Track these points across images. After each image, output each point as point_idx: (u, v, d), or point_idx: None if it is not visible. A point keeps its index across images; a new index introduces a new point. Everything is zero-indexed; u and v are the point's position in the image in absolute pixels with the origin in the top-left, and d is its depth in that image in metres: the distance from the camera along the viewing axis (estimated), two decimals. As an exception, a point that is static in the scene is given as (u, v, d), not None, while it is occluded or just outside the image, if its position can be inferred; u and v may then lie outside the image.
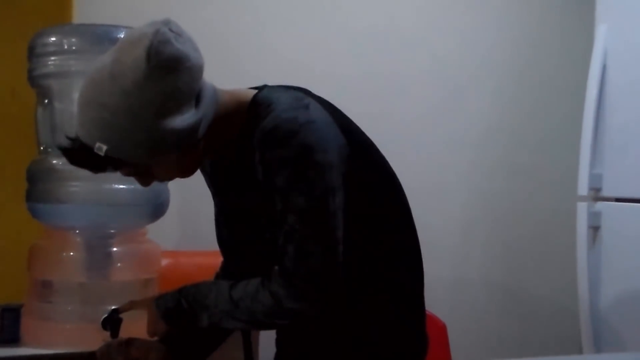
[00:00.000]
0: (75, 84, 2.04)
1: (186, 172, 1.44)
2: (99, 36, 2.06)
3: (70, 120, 2.03)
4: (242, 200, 1.51)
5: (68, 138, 1.36)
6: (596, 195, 2.64)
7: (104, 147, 1.29)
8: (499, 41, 3.17)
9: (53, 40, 2.06)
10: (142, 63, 1.26)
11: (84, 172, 2.02)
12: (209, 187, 1.65)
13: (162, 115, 1.28)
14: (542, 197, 3.19)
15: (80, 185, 2.02)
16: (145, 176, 1.41)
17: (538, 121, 3.20)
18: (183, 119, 1.30)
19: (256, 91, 1.46)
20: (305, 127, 1.36)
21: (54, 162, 2.04)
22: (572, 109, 2.91)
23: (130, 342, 1.57)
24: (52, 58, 2.05)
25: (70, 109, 2.03)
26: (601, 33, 2.66)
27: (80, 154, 1.34)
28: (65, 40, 2.05)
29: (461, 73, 3.11)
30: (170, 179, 1.46)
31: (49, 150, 2.08)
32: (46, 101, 2.09)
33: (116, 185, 2.03)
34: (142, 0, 2.72)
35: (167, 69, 1.28)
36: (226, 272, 1.69)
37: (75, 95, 2.01)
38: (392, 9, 3.02)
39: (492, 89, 3.16)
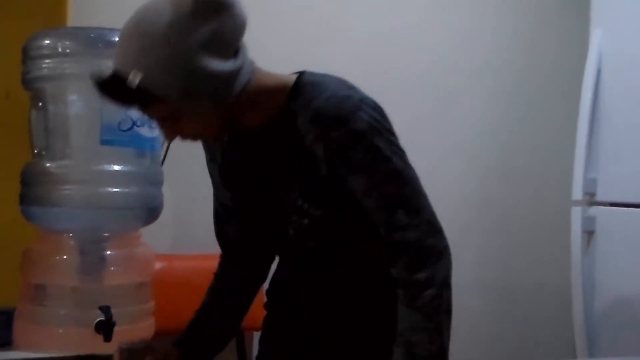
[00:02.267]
0: (69, 86, 2.04)
1: (211, 133, 1.42)
2: (94, 39, 2.06)
3: (64, 123, 2.03)
4: (267, 188, 1.49)
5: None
6: (591, 199, 2.64)
7: (139, 76, 1.27)
8: (494, 45, 3.17)
9: (47, 43, 2.06)
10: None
11: (78, 175, 2.03)
12: (214, 178, 1.62)
13: (201, 53, 1.28)
14: (536, 202, 3.19)
15: (74, 188, 2.01)
16: (171, 124, 1.37)
17: (533, 125, 3.20)
18: (221, 65, 1.30)
19: (296, 74, 1.46)
20: (364, 102, 1.40)
21: (48, 165, 2.03)
22: (567, 114, 2.91)
23: (148, 347, 1.54)
24: (47, 61, 2.05)
25: (65, 112, 2.03)
26: (596, 37, 2.66)
27: (112, 84, 1.32)
28: (59, 43, 2.04)
29: (455, 77, 3.11)
30: (194, 136, 1.42)
31: (43, 153, 2.08)
32: (40, 104, 2.08)
33: (110, 189, 2.02)
34: (137, 3, 2.72)
35: (213, 9, 1.29)
36: (226, 269, 1.67)
37: (70, 98, 2.03)
38: (386, 12, 3.02)
39: (487, 93, 3.16)
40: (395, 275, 1.40)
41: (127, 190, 2.05)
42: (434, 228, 1.41)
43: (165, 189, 2.21)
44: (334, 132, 1.36)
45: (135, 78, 1.27)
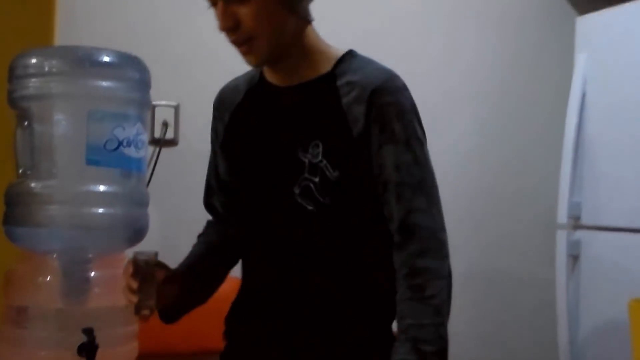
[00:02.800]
0: (55, 106, 2.02)
1: (264, 42, 1.41)
2: (80, 58, 2.05)
3: (50, 142, 2.01)
4: (279, 145, 1.47)
5: None
6: (576, 223, 2.65)
7: None
8: (479, 69, 3.18)
9: (34, 62, 2.04)
10: None
11: (63, 196, 2.01)
12: (214, 146, 1.62)
13: None
14: (522, 225, 3.19)
15: (59, 208, 1.99)
16: (235, 5, 1.39)
17: (519, 149, 3.22)
18: None
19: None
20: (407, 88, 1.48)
21: (33, 185, 2.01)
22: (553, 138, 2.92)
23: (159, 263, 1.50)
24: (33, 80, 2.03)
25: (50, 131, 2.01)
26: (580, 62, 2.69)
27: None
28: (46, 62, 2.03)
29: (441, 100, 3.12)
30: (248, 34, 1.41)
31: (28, 172, 2.05)
32: (26, 123, 2.06)
33: (95, 210, 2.00)
34: (124, 23, 2.72)
35: None
36: (213, 227, 1.68)
37: (56, 118, 2.01)
38: (367, 33, 3.02)
39: (473, 115, 3.17)
40: (400, 262, 1.39)
41: (112, 211, 2.03)
42: (444, 225, 1.44)
43: (151, 210, 2.20)
44: (382, 98, 1.41)
45: None
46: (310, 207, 1.42)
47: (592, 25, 2.70)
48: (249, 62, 1.47)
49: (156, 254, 1.49)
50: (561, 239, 2.66)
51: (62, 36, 2.50)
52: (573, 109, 2.67)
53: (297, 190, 1.43)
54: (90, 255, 2.06)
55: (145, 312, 1.45)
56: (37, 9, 2.44)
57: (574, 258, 2.64)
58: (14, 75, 2.06)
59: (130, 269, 1.45)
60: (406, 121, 1.42)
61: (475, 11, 3.19)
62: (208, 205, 1.67)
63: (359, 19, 3.03)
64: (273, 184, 1.48)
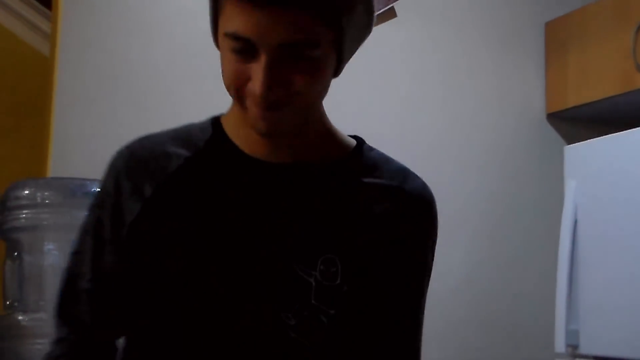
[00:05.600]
0: (46, 237, 2.02)
1: (308, 107, 1.06)
2: (73, 190, 2.06)
3: (39, 274, 1.99)
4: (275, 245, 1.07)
5: None
6: (574, 352, 2.60)
7: None
8: (473, 199, 3.21)
9: (26, 194, 2.05)
10: None
11: (50, 329, 1.97)
12: (110, 231, 1.17)
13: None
14: (520, 355, 3.13)
15: (46, 343, 1.94)
16: (292, 62, 1.01)
17: (513, 277, 3.19)
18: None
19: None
20: None
21: (20, 318, 1.98)
22: (548, 264, 2.91)
23: None
24: (25, 211, 2.03)
25: (40, 262, 1.99)
26: (571, 189, 2.71)
27: None
28: (38, 194, 2.04)
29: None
30: (299, 94, 1.03)
31: (16, 304, 2.02)
32: (15, 254, 2.05)
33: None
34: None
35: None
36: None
37: (46, 249, 1.99)
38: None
39: (467, 242, 3.17)
40: None
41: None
42: None
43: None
44: (424, 223, 1.21)
45: None
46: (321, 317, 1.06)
47: (580, 153, 2.74)
48: (261, 130, 1.06)
49: None
50: (560, 368, 2.60)
51: (55, 168, 2.52)
52: (565, 236, 2.67)
53: (291, 322, 1.05)
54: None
55: None
56: (32, 139, 2.48)
57: (574, 388, 2.58)
58: (5, 207, 2.07)
59: None
60: (432, 251, 1.27)
61: (469, 141, 3.24)
62: (67, 315, 1.21)
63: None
64: (246, 307, 1.06)
